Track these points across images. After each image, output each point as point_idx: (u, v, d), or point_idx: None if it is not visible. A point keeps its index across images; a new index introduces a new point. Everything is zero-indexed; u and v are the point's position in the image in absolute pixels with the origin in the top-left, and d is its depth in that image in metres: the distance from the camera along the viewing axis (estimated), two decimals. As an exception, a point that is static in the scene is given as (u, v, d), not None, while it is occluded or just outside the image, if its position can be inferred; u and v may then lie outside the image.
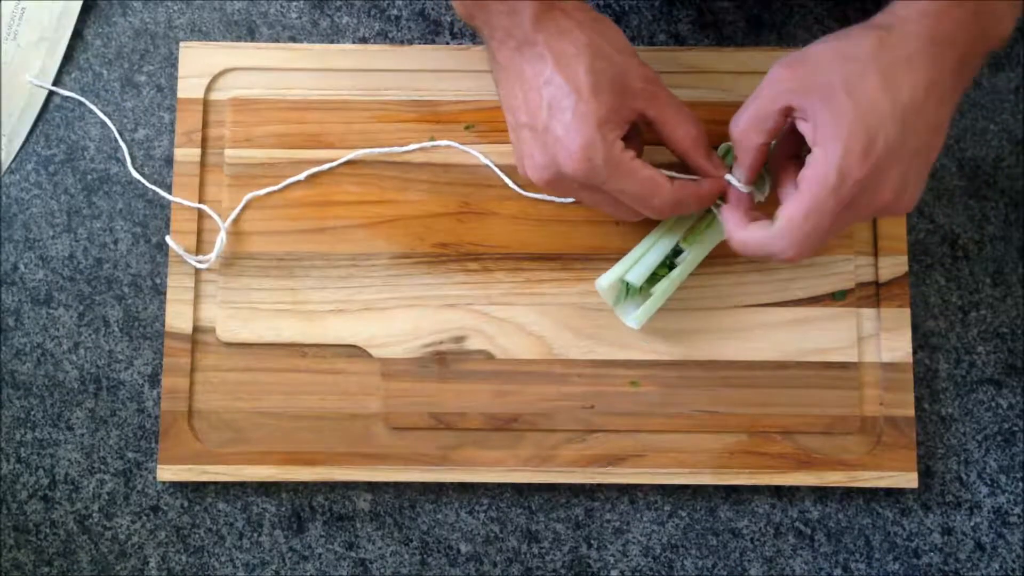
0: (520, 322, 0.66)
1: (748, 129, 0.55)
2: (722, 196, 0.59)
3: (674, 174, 0.58)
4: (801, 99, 0.52)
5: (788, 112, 0.53)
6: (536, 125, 0.55)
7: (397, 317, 0.66)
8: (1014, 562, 0.65)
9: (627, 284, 0.62)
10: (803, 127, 0.53)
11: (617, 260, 0.64)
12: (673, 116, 0.58)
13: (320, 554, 0.66)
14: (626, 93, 0.56)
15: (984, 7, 0.51)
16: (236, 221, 0.67)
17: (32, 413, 0.67)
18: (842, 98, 0.51)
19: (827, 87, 0.51)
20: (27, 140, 0.70)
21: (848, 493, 0.66)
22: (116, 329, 0.68)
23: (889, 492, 0.66)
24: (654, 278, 0.62)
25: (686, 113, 0.58)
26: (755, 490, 0.66)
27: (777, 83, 0.53)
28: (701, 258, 0.63)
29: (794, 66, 0.53)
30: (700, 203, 0.58)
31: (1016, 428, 0.67)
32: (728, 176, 0.58)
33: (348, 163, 0.68)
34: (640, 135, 0.59)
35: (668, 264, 0.62)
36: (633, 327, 0.63)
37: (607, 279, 0.63)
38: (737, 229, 0.56)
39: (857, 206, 0.52)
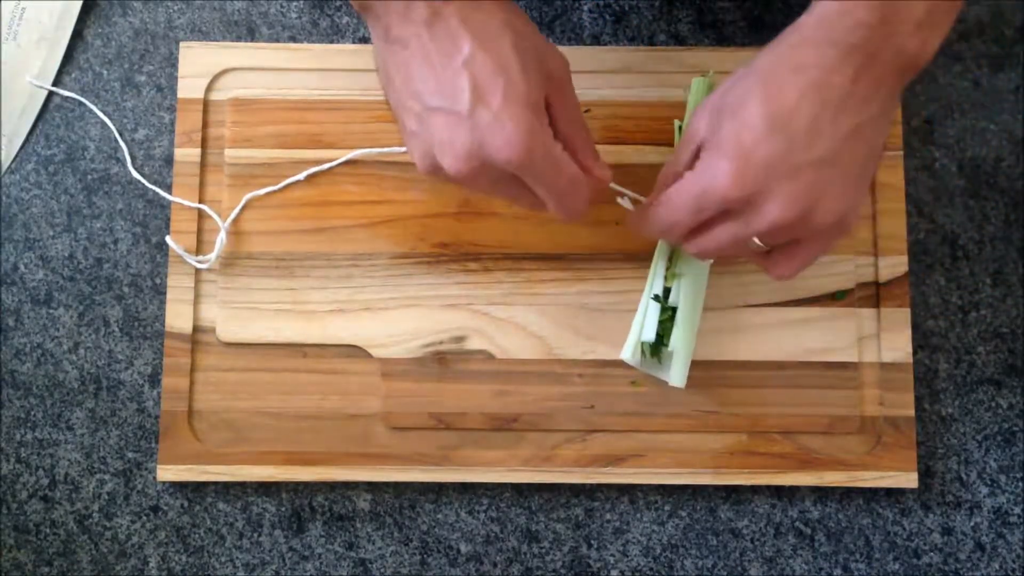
0: (520, 322, 0.66)
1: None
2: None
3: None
4: (710, 120, 0.52)
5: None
6: (456, 109, 0.48)
7: (397, 317, 0.66)
8: (1014, 562, 0.65)
9: (648, 345, 0.62)
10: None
11: (617, 260, 0.65)
12: (574, 113, 0.54)
13: (320, 554, 0.66)
14: (542, 76, 0.51)
15: (893, 15, 0.47)
16: (236, 221, 0.67)
17: (32, 413, 0.67)
18: (728, 120, 0.50)
19: (725, 108, 0.51)
20: (27, 140, 0.70)
21: (848, 493, 0.66)
22: (116, 329, 0.68)
23: (889, 492, 0.66)
24: (668, 329, 0.62)
25: (581, 116, 0.55)
26: (755, 490, 0.66)
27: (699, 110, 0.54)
28: (698, 290, 0.62)
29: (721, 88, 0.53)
30: (596, 198, 0.55)
31: (1016, 428, 0.67)
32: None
33: (348, 163, 0.68)
34: None
35: (671, 311, 0.62)
36: (679, 385, 0.62)
37: (628, 349, 0.62)
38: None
39: (749, 222, 0.50)
